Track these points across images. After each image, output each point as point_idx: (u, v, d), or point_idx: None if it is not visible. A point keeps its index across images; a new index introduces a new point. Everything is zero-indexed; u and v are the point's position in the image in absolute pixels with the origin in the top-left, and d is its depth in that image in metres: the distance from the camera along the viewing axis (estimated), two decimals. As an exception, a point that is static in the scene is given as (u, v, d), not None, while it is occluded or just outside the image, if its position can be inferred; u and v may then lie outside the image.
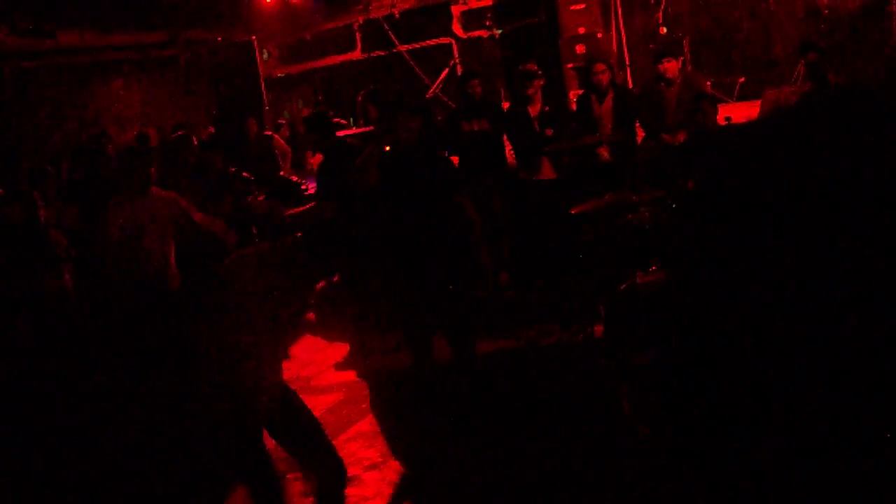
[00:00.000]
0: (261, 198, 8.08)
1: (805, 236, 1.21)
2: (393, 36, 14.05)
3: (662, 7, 13.50)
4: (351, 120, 12.75)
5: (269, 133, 11.87)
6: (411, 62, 14.12)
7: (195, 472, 4.48)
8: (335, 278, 6.08)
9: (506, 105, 10.02)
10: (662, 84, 8.31)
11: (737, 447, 1.29)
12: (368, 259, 6.06)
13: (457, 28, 14.29)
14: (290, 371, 6.33)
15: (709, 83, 10.13)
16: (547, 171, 8.38)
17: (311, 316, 5.79)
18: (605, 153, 8.20)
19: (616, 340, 5.38)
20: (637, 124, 8.58)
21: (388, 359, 6.97)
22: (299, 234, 4.31)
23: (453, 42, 14.34)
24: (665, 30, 13.33)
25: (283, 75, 15.93)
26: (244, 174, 8.29)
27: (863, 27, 12.23)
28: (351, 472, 4.76)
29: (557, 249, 8.14)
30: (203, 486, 4.46)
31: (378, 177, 5.64)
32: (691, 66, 12.51)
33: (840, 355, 1.19)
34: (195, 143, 9.55)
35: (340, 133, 9.65)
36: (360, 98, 12.87)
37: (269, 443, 4.33)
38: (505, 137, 8.78)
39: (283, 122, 14.69)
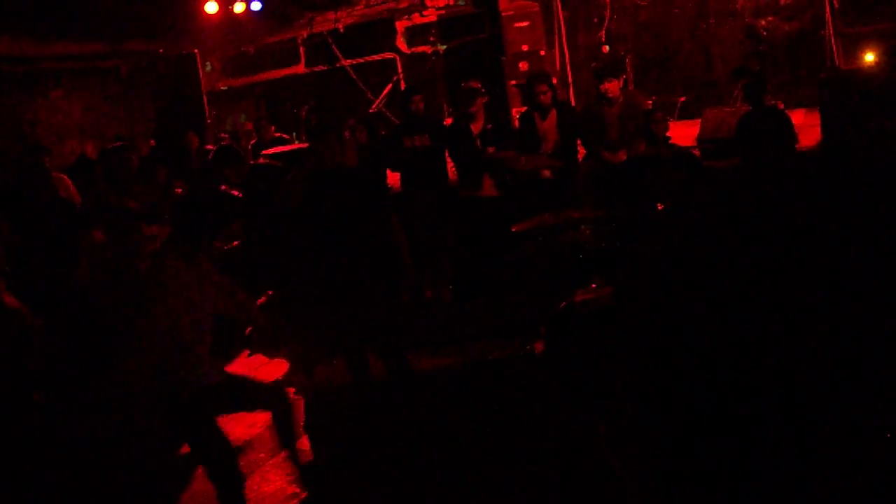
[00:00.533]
0: None
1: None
2: (337, 50, 14.01)
3: (605, 26, 13.67)
4: (294, 135, 12.67)
5: (211, 147, 11.73)
6: (355, 77, 14.08)
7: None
8: (270, 294, 6.05)
9: (448, 121, 10.04)
10: (604, 103, 8.40)
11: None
12: (296, 280, 6.04)
13: (401, 43, 14.30)
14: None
15: (650, 102, 10.26)
16: (488, 189, 8.39)
17: (249, 331, 5.75)
18: (546, 171, 8.25)
19: (556, 358, 5.39)
20: (578, 143, 8.66)
21: (329, 372, 6.90)
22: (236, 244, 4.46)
23: (397, 57, 14.35)
24: (608, 48, 13.49)
25: (225, 88, 15.77)
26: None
27: (799, 50, 12.52)
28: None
29: (499, 267, 8.15)
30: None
31: (301, 198, 5.58)
32: (633, 85, 12.67)
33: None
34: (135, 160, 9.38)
35: (280, 149, 9.58)
36: (303, 113, 12.87)
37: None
38: (447, 154, 8.78)
39: (225, 135, 14.54)
